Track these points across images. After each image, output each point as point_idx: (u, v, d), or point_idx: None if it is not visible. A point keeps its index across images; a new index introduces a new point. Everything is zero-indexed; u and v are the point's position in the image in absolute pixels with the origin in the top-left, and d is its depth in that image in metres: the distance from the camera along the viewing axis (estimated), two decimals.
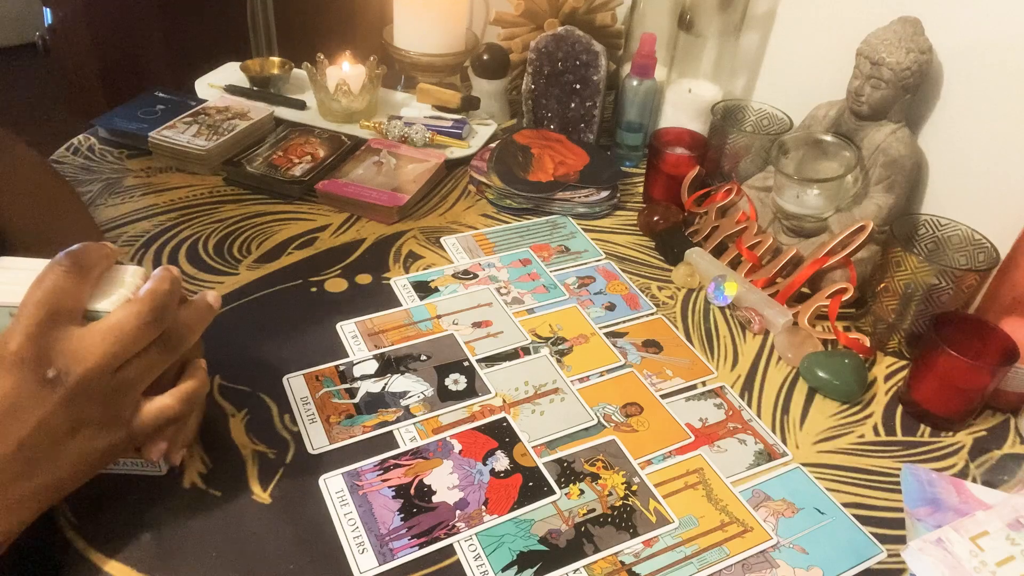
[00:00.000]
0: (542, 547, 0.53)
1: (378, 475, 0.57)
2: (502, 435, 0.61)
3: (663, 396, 0.67)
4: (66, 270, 0.44)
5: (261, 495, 0.55)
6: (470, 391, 0.65)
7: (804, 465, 0.62)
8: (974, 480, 0.62)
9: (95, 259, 0.45)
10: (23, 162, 0.74)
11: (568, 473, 0.59)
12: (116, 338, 0.44)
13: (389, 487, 0.56)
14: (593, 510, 0.56)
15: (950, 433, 0.67)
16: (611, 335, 0.73)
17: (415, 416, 0.62)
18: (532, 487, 0.57)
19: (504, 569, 0.51)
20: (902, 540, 0.57)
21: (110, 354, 0.43)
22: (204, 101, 0.98)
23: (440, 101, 1.02)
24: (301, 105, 1.02)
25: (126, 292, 0.46)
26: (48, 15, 1.63)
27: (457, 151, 0.97)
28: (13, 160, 0.73)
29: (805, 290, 0.77)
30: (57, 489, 0.45)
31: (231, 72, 1.07)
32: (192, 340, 0.49)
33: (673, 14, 0.98)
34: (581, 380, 0.67)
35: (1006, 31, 0.72)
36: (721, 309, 0.78)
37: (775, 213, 0.82)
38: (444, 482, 0.57)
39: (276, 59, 1.08)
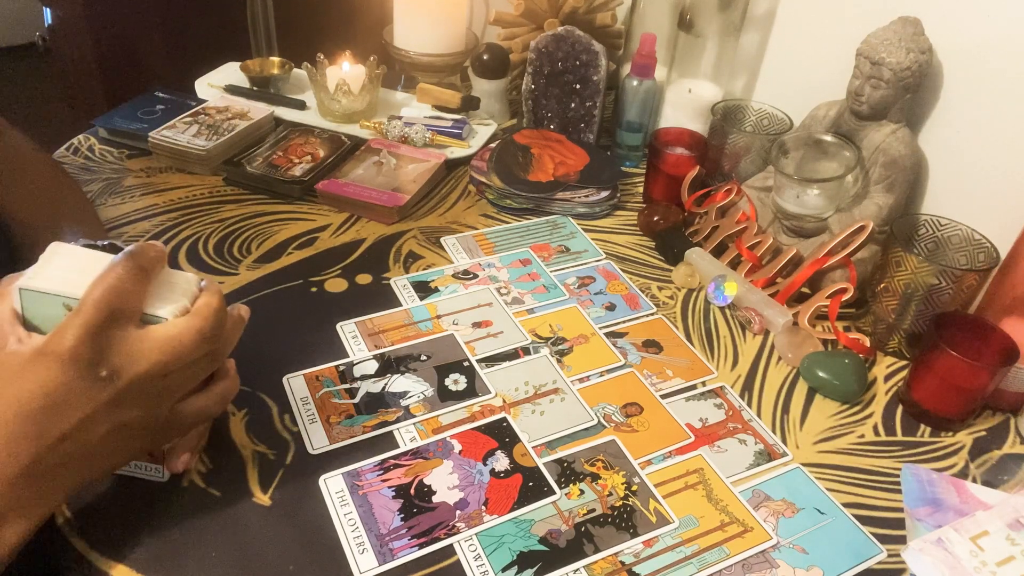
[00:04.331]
0: (542, 547, 0.53)
1: (378, 475, 0.57)
2: (502, 435, 0.61)
3: (663, 396, 0.67)
4: (128, 271, 0.44)
5: (261, 496, 0.55)
6: (470, 391, 0.65)
7: (804, 465, 0.62)
8: (974, 480, 0.62)
9: (153, 260, 0.46)
10: (24, 154, 0.74)
11: (568, 473, 0.59)
12: (173, 349, 0.44)
13: (389, 487, 0.56)
14: (593, 510, 0.56)
15: (950, 433, 0.67)
16: (611, 335, 0.73)
17: (415, 416, 0.62)
18: (532, 487, 0.57)
19: (504, 569, 0.51)
20: (902, 540, 0.57)
21: (163, 363, 0.44)
22: (204, 101, 0.98)
23: (440, 101, 1.02)
24: (301, 105, 1.02)
25: (186, 302, 0.47)
26: (48, 15, 1.63)
27: (457, 151, 0.97)
28: (14, 151, 0.73)
29: (805, 290, 0.77)
30: (83, 482, 0.46)
31: (231, 72, 1.07)
32: (229, 351, 0.50)
33: (673, 14, 0.98)
34: (581, 380, 0.67)
35: (1006, 31, 0.72)
36: (721, 309, 0.78)
37: (775, 213, 0.82)
38: (444, 482, 0.57)
39: (276, 59, 1.08)
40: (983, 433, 0.67)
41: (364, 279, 0.77)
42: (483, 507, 0.55)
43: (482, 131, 1.02)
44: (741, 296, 0.77)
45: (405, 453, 0.59)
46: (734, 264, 0.81)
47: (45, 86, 2.53)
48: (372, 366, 0.67)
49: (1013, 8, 0.71)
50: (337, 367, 0.66)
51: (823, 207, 0.78)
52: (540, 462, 0.59)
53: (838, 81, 0.79)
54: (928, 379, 0.66)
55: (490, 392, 0.65)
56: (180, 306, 0.46)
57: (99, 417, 0.43)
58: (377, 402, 0.63)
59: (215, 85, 1.04)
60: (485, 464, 0.59)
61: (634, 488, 0.58)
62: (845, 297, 0.73)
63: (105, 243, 0.54)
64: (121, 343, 0.43)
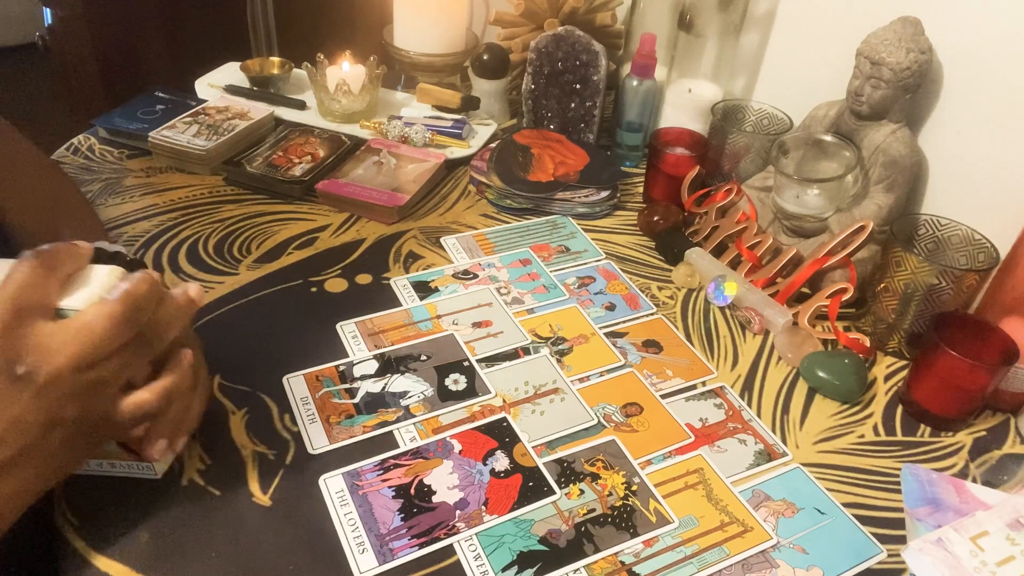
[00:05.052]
0: (542, 547, 0.53)
1: (378, 475, 0.57)
2: (502, 435, 0.61)
3: (663, 396, 0.67)
4: (32, 266, 0.43)
5: (261, 496, 0.55)
6: (470, 391, 0.65)
7: (804, 465, 0.62)
8: (974, 480, 0.62)
9: (63, 257, 0.45)
10: (23, 156, 0.74)
11: (568, 473, 0.59)
12: (86, 338, 0.43)
13: (389, 487, 0.56)
14: (593, 510, 0.56)
15: (950, 433, 0.67)
16: (611, 335, 0.73)
17: (415, 416, 0.62)
18: (532, 487, 0.57)
19: (504, 569, 0.51)
20: (902, 540, 0.57)
21: (80, 353, 0.43)
22: (204, 101, 0.98)
23: (440, 101, 1.02)
24: (301, 105, 1.02)
25: (96, 290, 0.46)
26: (48, 15, 1.63)
27: (457, 151, 0.97)
28: (13, 153, 0.73)
29: (805, 290, 0.77)
30: (37, 487, 0.45)
31: (231, 72, 1.07)
32: (170, 337, 0.48)
33: (673, 14, 0.98)
34: (581, 380, 0.67)
35: (1006, 31, 0.72)
36: (721, 309, 0.78)
37: (775, 213, 0.82)
38: (444, 482, 0.57)
39: (276, 59, 1.08)
40: (983, 433, 0.67)
41: (364, 279, 0.77)
42: (483, 507, 0.55)
43: (482, 131, 1.02)
44: (741, 296, 0.77)
45: (405, 453, 0.59)
46: (734, 264, 0.81)
47: (45, 86, 2.52)
48: (372, 366, 0.67)
49: (1013, 8, 0.71)
50: (337, 367, 0.66)
51: (823, 207, 0.78)
52: (540, 462, 0.59)
53: (838, 81, 0.79)
54: (928, 379, 0.66)
55: (490, 392, 0.65)
56: (92, 296, 0.45)
57: (28, 416, 0.42)
58: (377, 402, 0.63)
59: (215, 85, 1.04)
60: (485, 464, 0.59)
61: (634, 488, 0.58)
62: (845, 297, 0.73)
63: (112, 251, 0.54)
64: (34, 338, 0.42)
